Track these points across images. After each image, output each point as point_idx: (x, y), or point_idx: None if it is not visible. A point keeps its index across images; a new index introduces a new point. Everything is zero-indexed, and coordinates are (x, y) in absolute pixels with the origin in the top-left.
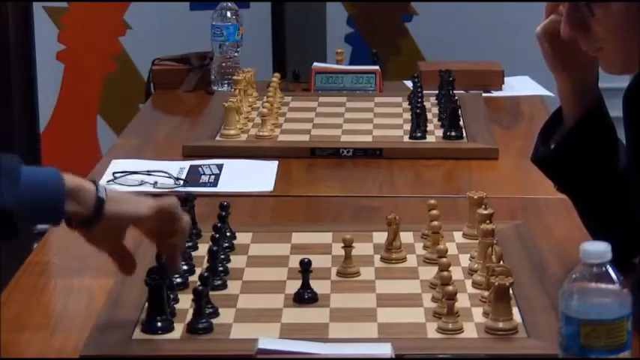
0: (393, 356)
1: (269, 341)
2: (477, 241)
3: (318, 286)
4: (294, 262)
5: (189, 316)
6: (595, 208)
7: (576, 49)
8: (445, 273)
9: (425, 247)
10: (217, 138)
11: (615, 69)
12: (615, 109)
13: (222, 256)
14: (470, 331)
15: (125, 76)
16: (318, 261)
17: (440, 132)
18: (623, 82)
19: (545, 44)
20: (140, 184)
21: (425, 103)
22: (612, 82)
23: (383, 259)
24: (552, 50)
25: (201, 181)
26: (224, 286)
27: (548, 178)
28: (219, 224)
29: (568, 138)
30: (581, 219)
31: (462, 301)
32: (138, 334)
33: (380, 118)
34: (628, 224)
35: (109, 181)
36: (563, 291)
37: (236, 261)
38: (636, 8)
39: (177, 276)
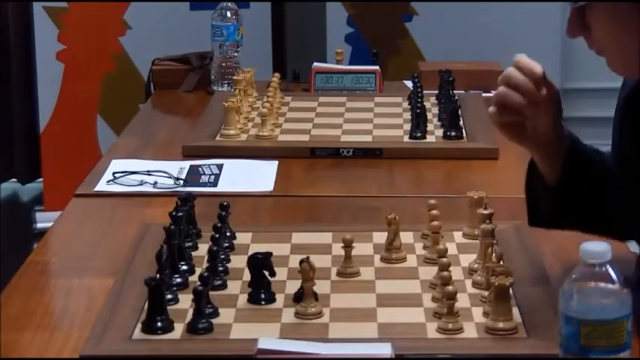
0: (393, 356)
1: (269, 341)
2: (477, 241)
3: (318, 286)
4: (294, 262)
5: (189, 316)
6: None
7: (522, 123)
8: (445, 273)
9: (425, 247)
10: (217, 138)
11: (618, 71)
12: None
13: (222, 256)
14: (470, 331)
15: (125, 76)
16: (318, 261)
17: (440, 132)
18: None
19: (497, 124)
20: (140, 184)
21: (425, 103)
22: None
23: (383, 259)
24: (504, 125)
25: (201, 181)
26: (224, 286)
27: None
28: (219, 224)
29: (555, 197)
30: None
31: (462, 301)
32: (138, 334)
33: (380, 118)
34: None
35: (109, 181)
36: (563, 291)
37: (236, 261)
38: (623, 19)
39: (177, 275)
